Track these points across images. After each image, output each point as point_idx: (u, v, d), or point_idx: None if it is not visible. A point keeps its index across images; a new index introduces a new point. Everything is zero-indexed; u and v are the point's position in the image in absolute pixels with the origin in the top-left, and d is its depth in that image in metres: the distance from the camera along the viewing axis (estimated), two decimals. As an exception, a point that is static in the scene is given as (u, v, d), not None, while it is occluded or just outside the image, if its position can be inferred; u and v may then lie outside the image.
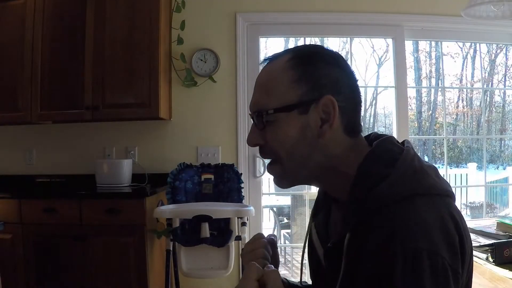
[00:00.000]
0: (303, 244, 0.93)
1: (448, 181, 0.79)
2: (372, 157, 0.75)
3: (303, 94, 0.75)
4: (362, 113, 0.83)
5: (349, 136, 0.77)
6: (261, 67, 0.83)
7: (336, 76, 0.76)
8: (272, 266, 0.76)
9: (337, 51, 0.82)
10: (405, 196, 0.68)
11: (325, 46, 0.84)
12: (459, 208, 0.76)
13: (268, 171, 0.83)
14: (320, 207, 0.91)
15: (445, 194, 0.72)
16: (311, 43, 0.84)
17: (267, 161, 0.83)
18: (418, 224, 0.65)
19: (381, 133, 0.84)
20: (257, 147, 0.81)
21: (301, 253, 4.07)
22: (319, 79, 0.75)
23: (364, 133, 0.84)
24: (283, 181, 0.81)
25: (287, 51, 0.80)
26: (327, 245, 0.77)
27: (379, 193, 0.69)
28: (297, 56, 0.78)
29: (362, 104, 0.81)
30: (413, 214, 0.66)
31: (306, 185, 3.61)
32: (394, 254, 0.62)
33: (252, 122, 0.81)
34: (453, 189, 0.77)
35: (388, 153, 0.75)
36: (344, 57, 0.82)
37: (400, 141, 0.82)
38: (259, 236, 0.91)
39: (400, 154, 0.75)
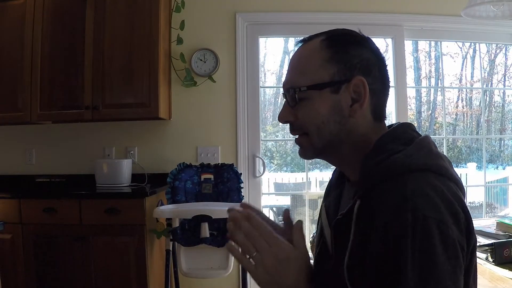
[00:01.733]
0: (316, 226, 0.93)
1: None
2: (390, 135, 0.78)
3: (335, 74, 0.77)
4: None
5: (375, 120, 0.80)
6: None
7: (367, 57, 0.79)
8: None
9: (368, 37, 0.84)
10: (419, 168, 0.70)
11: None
12: None
13: (296, 142, 0.85)
14: (332, 189, 0.92)
15: (453, 179, 0.74)
16: (348, 29, 0.87)
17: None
18: (429, 195, 0.67)
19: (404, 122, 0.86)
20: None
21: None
22: (350, 59, 0.77)
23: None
24: (308, 153, 0.84)
25: (321, 34, 0.82)
26: (336, 218, 0.78)
27: (394, 162, 0.71)
28: (329, 38, 0.80)
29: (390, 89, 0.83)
30: (425, 186, 0.68)
31: (306, 185, 3.62)
32: (405, 220, 0.64)
33: (285, 100, 0.83)
34: None
35: (407, 134, 0.79)
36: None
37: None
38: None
39: (417, 138, 0.78)
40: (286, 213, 0.86)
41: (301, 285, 0.75)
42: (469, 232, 0.69)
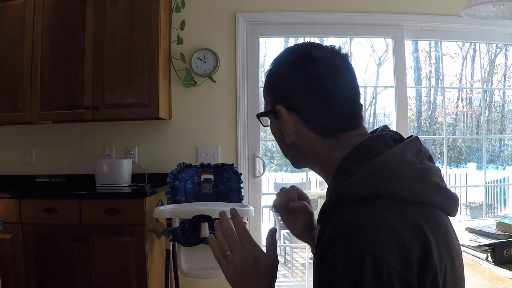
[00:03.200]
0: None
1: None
2: (353, 153, 0.75)
3: (271, 103, 0.84)
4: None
5: (325, 137, 0.79)
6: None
7: (292, 84, 0.80)
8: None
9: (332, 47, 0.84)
10: (364, 197, 0.66)
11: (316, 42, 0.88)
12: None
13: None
14: None
15: (420, 201, 0.68)
16: (299, 43, 0.91)
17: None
18: (369, 228, 0.62)
19: (387, 129, 0.82)
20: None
21: (300, 253, 4.06)
22: (275, 89, 0.84)
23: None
24: (293, 165, 0.91)
25: (276, 57, 0.88)
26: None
27: (343, 189, 0.69)
28: (272, 64, 0.86)
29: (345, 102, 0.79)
30: (366, 216, 0.64)
31: (306, 185, 3.62)
32: (336, 254, 0.62)
33: None
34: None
35: (371, 151, 0.72)
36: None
37: (407, 137, 0.80)
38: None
39: (382, 152, 0.71)
40: (270, 233, 0.85)
41: None
42: (426, 260, 0.63)
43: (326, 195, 0.76)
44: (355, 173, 0.69)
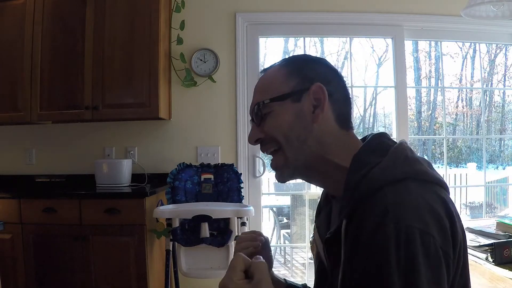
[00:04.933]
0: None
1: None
2: (366, 148, 0.80)
3: (295, 85, 0.82)
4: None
5: (340, 127, 0.83)
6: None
7: (324, 71, 0.85)
8: (261, 257, 0.75)
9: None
10: (397, 179, 0.71)
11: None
12: (458, 208, 0.76)
13: (271, 166, 0.88)
14: (321, 208, 0.95)
15: (436, 182, 0.75)
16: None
17: (267, 161, 0.87)
18: (410, 204, 0.67)
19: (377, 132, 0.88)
20: (258, 146, 0.87)
21: (300, 253, 4.06)
22: (308, 72, 0.83)
23: (365, 133, 0.86)
24: (284, 170, 0.85)
25: (280, 60, 0.89)
26: (325, 237, 0.79)
27: (372, 177, 0.72)
28: (287, 61, 0.87)
29: (354, 102, 0.85)
30: (406, 195, 0.69)
31: (306, 185, 3.61)
32: (388, 235, 0.64)
33: (252, 122, 0.87)
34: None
35: (382, 145, 0.80)
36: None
37: (397, 141, 0.85)
38: (253, 232, 0.98)
39: (392, 146, 0.79)
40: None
41: None
42: (455, 234, 0.69)
43: (346, 189, 0.75)
44: (375, 162, 0.74)
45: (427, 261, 0.63)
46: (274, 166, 0.86)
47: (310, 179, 0.88)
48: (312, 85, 0.81)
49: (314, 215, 0.98)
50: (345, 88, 0.86)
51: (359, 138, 0.87)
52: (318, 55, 0.94)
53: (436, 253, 0.65)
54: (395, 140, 0.84)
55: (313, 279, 0.95)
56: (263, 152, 0.88)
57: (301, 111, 0.81)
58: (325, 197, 0.95)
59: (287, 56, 0.92)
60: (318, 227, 0.93)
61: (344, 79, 0.88)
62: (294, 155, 0.82)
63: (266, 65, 0.92)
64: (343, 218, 0.73)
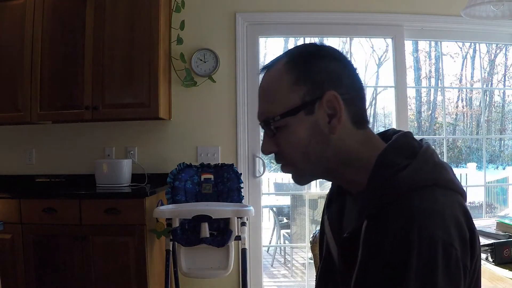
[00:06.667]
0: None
1: None
2: (393, 147, 0.76)
3: (305, 95, 0.75)
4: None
5: (358, 128, 0.78)
6: (260, 76, 0.83)
7: (333, 68, 0.77)
8: None
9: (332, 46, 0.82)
10: (426, 185, 0.69)
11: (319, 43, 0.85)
12: None
13: (283, 171, 0.83)
14: (333, 200, 0.91)
15: (459, 191, 0.73)
16: (307, 43, 0.89)
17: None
18: (436, 213, 0.66)
19: (398, 129, 0.85)
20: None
21: (300, 253, 4.06)
22: (316, 76, 0.76)
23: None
24: (301, 179, 0.83)
25: (282, 56, 0.81)
26: (343, 236, 0.77)
27: (401, 179, 0.70)
28: (291, 59, 0.79)
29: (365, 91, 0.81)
30: (432, 203, 0.67)
31: (306, 185, 3.62)
32: (411, 241, 0.64)
33: (263, 131, 0.82)
34: None
35: (409, 146, 0.77)
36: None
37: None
38: None
39: (420, 148, 0.76)
40: None
41: None
42: (474, 247, 0.69)
43: (369, 189, 0.73)
44: (403, 164, 0.72)
45: (446, 272, 0.63)
46: (287, 172, 0.83)
47: (327, 179, 0.87)
48: (323, 93, 0.75)
49: (324, 203, 0.95)
50: (356, 79, 0.79)
51: (376, 133, 0.84)
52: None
53: (456, 265, 0.64)
54: (418, 140, 0.81)
55: (313, 279, 0.94)
56: (276, 162, 0.83)
57: (317, 124, 0.76)
58: (337, 190, 0.91)
59: (290, 49, 0.82)
60: (330, 219, 0.89)
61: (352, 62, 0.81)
62: (311, 168, 0.79)
63: (267, 63, 0.86)
64: (364, 219, 0.71)
